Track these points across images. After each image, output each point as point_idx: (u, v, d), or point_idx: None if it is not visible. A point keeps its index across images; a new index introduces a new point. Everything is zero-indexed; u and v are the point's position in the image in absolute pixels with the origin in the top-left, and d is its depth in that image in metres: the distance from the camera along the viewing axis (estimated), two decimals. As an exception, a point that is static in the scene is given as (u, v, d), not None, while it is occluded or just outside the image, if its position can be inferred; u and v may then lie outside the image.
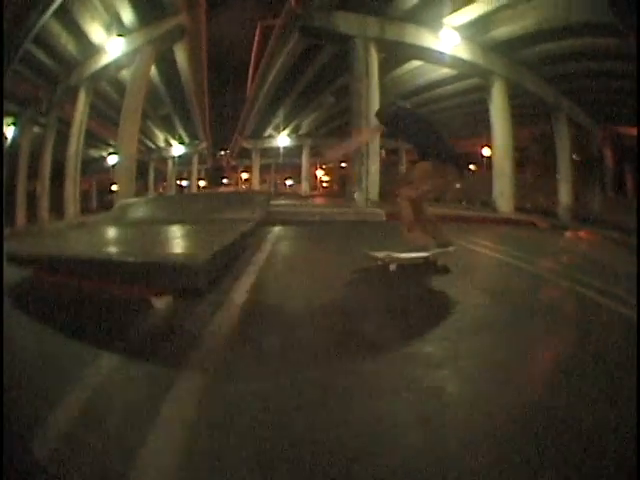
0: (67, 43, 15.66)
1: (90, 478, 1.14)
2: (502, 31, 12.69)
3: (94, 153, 33.00)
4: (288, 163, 38.55)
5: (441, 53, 13.46)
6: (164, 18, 15.16)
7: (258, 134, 32.19)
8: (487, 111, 15.09)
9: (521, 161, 22.78)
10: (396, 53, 14.18)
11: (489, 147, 24.16)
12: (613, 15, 8.61)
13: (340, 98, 20.57)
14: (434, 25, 12.77)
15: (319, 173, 37.14)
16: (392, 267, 3.53)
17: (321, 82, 19.84)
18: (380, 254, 3.61)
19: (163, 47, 16.06)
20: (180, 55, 18.72)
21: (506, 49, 13.58)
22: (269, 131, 31.87)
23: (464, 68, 14.60)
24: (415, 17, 12.65)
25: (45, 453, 1.21)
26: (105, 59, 16.15)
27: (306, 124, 29.67)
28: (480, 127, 19.70)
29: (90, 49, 16.11)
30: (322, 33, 13.31)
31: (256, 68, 22.47)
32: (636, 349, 1.82)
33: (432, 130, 3.86)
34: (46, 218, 18.49)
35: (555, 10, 10.97)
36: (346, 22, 12.98)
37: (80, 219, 15.21)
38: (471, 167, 31.22)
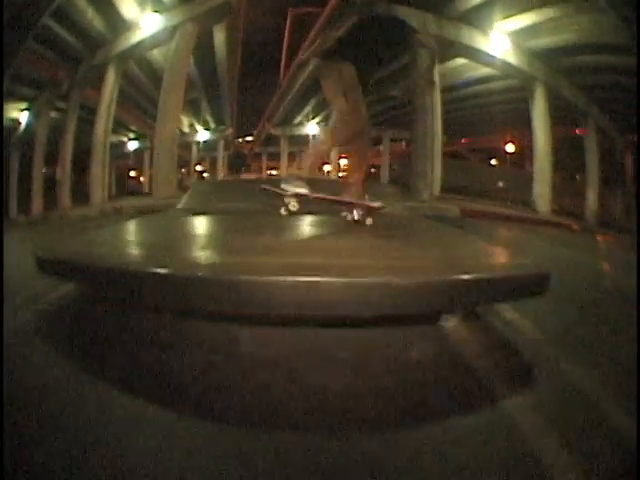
0: (93, 18, 13.84)
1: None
2: (546, 40, 13.09)
3: (112, 138, 31.32)
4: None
5: (491, 55, 13.68)
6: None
7: (287, 121, 30.53)
8: (512, 109, 16.38)
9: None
10: (447, 51, 13.62)
11: (513, 143, 24.45)
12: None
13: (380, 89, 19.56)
14: (486, 28, 13.12)
15: (342, 162, 36.15)
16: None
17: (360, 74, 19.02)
18: None
19: (206, 26, 14.28)
20: (219, 36, 16.84)
21: (548, 57, 13.94)
22: (299, 118, 30.15)
23: (509, 71, 14.66)
24: (470, 19, 12.91)
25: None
26: (137, 36, 14.35)
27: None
28: (504, 123, 20.28)
29: (120, 25, 14.35)
30: (390, 26, 12.52)
31: (288, 55, 21.30)
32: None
33: None
34: (68, 205, 16.60)
35: (591, 28, 11.50)
36: (408, 16, 11.88)
37: (109, 205, 13.58)
38: (493, 162, 31.75)
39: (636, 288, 2.52)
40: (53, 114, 19.23)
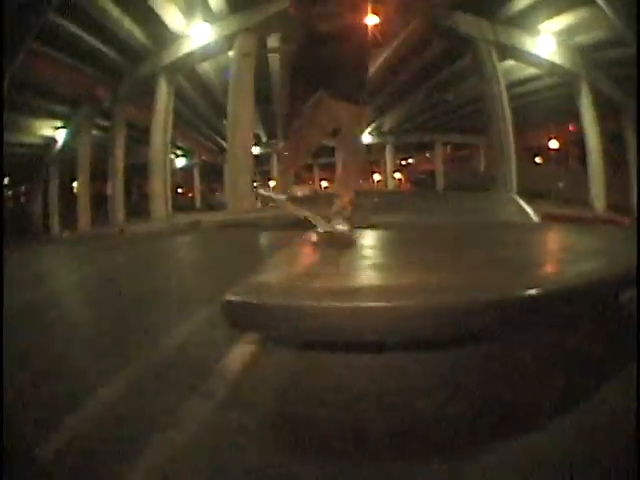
0: (132, 29, 12.93)
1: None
2: (585, 37, 12.85)
3: None
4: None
5: (537, 56, 13.49)
6: (265, 2, 12.22)
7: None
8: (552, 105, 16.33)
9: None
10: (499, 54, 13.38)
11: (557, 139, 23.40)
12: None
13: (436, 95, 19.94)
14: (532, 30, 12.95)
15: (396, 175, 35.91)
16: None
17: (418, 79, 17.96)
18: None
19: (263, 35, 13.03)
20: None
21: (588, 53, 13.67)
22: None
23: (554, 70, 14.31)
24: (517, 22, 12.75)
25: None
26: (187, 47, 13.32)
27: (388, 121, 26.63)
28: (545, 119, 19.69)
29: (165, 36, 13.36)
30: (449, 32, 12.72)
31: None
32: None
33: None
34: (121, 220, 15.66)
35: (623, 21, 10.77)
36: (466, 23, 12.58)
37: (172, 221, 12.98)
38: (537, 160, 30.14)
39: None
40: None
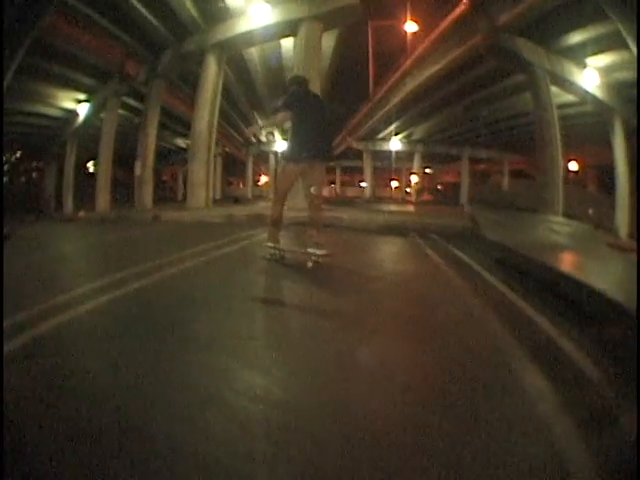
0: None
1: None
2: (624, 74, 12.66)
3: (180, 142, 28.34)
4: (381, 167, 34.36)
5: (579, 86, 13.43)
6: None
7: (371, 136, 27.81)
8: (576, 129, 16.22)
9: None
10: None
11: (576, 161, 23.20)
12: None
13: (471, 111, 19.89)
14: (579, 63, 12.94)
15: (413, 179, 34.73)
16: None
17: (459, 93, 17.71)
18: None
19: (329, 27, 11.62)
20: (327, 40, 13.89)
21: (625, 89, 13.49)
22: (383, 134, 27.51)
23: (592, 100, 14.03)
24: (567, 53, 12.67)
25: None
26: (243, 26, 11.78)
27: (419, 131, 25.98)
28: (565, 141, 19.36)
29: (217, 11, 11.88)
30: (510, 55, 12.40)
31: (375, 69, 19.36)
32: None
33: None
34: (149, 204, 14.11)
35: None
36: (526, 49, 12.33)
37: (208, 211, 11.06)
38: None
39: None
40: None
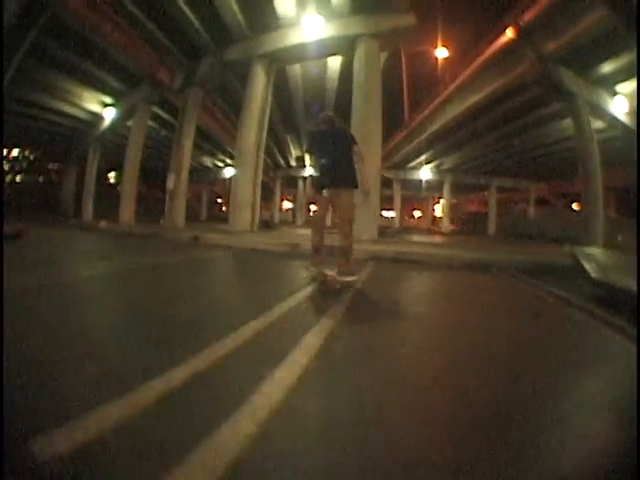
0: (231, 5, 10.51)
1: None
2: None
3: (206, 160, 27.36)
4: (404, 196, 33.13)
5: (611, 114, 13.12)
6: (391, 11, 10.04)
7: (402, 164, 26.67)
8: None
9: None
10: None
11: None
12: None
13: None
14: (610, 90, 12.76)
15: (437, 208, 33.84)
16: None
17: (496, 123, 17.02)
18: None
19: (386, 46, 10.61)
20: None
21: None
22: (414, 162, 26.25)
23: (619, 126, 13.64)
24: (601, 82, 12.42)
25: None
26: (295, 38, 10.73)
27: (450, 159, 24.92)
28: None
29: (268, 21, 10.94)
30: (555, 85, 12.01)
31: (410, 95, 18.56)
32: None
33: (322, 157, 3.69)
34: (182, 222, 12.73)
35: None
36: (569, 78, 11.91)
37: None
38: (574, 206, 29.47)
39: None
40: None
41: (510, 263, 5.37)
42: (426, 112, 16.15)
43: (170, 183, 12.19)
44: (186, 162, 12.61)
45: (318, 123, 3.88)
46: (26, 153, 27.28)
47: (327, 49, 10.95)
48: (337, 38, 10.52)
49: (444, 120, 15.63)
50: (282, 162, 29.22)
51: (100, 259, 4.84)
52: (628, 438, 1.09)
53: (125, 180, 14.29)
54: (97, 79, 14.41)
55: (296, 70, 13.56)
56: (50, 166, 27.80)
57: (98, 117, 17.10)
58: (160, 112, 16.58)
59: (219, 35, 11.86)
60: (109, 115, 16.63)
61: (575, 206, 30.00)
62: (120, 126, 16.88)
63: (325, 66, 13.45)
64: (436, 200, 34.01)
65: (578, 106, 12.13)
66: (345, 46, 10.61)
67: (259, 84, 10.98)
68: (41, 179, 28.13)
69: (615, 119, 13.25)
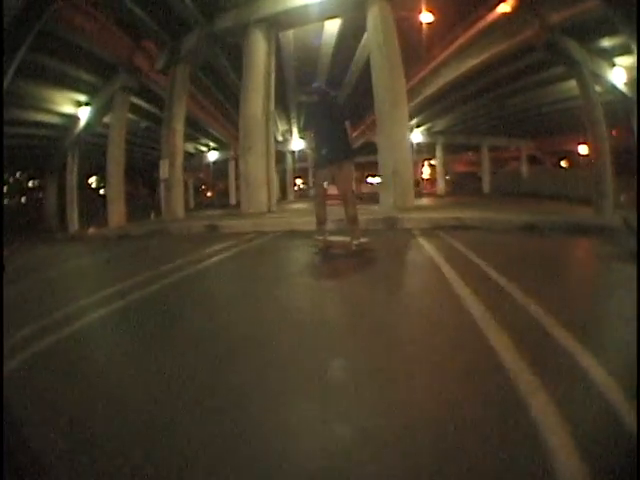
0: None
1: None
2: None
3: (188, 146, 24.72)
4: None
5: (612, 83, 13.29)
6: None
7: None
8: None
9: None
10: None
11: (587, 145, 21.63)
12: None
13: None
14: (610, 62, 13.07)
15: (425, 170, 33.08)
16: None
17: (492, 86, 16.59)
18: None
19: (400, 8, 9.30)
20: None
21: None
22: None
23: (616, 93, 13.80)
24: (602, 54, 12.61)
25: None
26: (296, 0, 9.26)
27: (442, 122, 24.13)
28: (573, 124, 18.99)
29: None
30: (561, 53, 12.07)
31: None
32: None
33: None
34: (181, 213, 11.04)
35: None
36: (575, 49, 11.96)
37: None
38: (562, 164, 29.67)
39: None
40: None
41: (553, 224, 5.32)
42: (419, 76, 15.16)
43: (164, 171, 10.58)
44: (179, 146, 11.00)
45: (311, 95, 3.78)
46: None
47: (330, 11, 9.65)
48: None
49: (438, 85, 14.99)
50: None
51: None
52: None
53: (110, 180, 12.58)
54: (68, 77, 12.55)
55: (288, 36, 12.03)
56: (30, 184, 25.99)
57: (73, 119, 15.15)
58: (139, 102, 14.80)
59: (207, 3, 10.26)
60: (84, 114, 14.73)
61: (563, 163, 29.83)
62: (97, 124, 15.03)
63: (321, 31, 12.00)
64: (422, 163, 33.01)
65: (584, 73, 12.17)
66: (352, 8, 9.45)
67: (259, 51, 9.52)
68: (23, 200, 26.43)
69: (614, 87, 13.43)
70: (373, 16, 8.76)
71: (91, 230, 11.52)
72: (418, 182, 35.00)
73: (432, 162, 34.05)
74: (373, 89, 8.74)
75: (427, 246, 4.05)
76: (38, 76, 11.58)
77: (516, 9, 10.96)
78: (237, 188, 39.60)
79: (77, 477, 0.93)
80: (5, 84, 8.76)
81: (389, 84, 8.44)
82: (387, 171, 8.24)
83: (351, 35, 12.49)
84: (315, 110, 3.75)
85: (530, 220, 5.53)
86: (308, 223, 5.73)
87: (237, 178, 31.44)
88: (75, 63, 11.74)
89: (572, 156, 26.24)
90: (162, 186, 11.14)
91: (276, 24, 9.76)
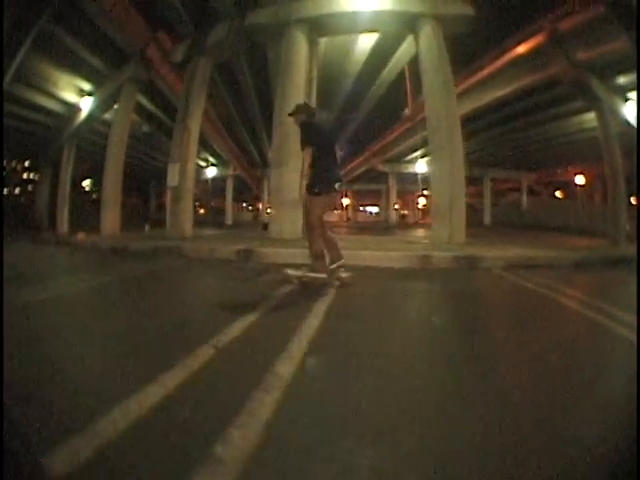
0: None
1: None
2: None
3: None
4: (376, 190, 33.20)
5: (624, 116, 12.36)
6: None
7: (399, 158, 24.82)
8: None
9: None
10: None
11: (583, 175, 22.92)
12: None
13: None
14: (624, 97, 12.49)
15: (421, 201, 32.17)
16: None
17: (508, 118, 16.38)
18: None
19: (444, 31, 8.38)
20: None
21: None
22: (412, 156, 24.31)
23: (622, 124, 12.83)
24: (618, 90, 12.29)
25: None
26: (345, 5, 8.42)
27: None
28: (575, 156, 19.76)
29: None
30: (584, 89, 12.09)
31: (412, 87, 16.48)
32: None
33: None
34: (189, 230, 9.37)
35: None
36: (596, 85, 12.02)
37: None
38: (557, 194, 29.92)
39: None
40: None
41: (595, 260, 5.66)
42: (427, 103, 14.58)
43: (173, 178, 8.93)
44: (192, 150, 9.40)
45: (299, 111, 3.49)
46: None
47: (377, 23, 8.79)
48: (397, 14, 8.44)
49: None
50: (259, 160, 26.58)
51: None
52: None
53: (107, 183, 10.88)
54: (77, 59, 11.09)
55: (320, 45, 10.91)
56: (25, 176, 24.25)
57: (74, 109, 13.52)
58: (144, 102, 13.42)
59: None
60: (86, 106, 13.14)
61: (558, 194, 29.87)
62: (99, 118, 13.46)
63: (354, 45, 10.96)
64: (419, 193, 32.06)
65: (604, 110, 12.21)
66: (400, 24, 8.63)
67: (301, 52, 8.33)
68: (17, 191, 24.70)
69: (627, 122, 12.96)
70: (426, 36, 8.00)
71: (80, 235, 9.91)
72: (422, 212, 34.45)
73: (426, 192, 33.65)
74: (427, 115, 8.10)
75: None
76: (48, 51, 10.29)
77: (542, 45, 10.84)
78: (240, 208, 38.61)
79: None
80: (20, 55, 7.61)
81: (447, 110, 7.63)
82: (443, 202, 7.07)
83: (382, 54, 11.55)
84: (320, 130, 3.54)
85: (576, 256, 5.75)
86: (377, 258, 4.86)
87: (234, 198, 30.02)
88: (88, 43, 10.52)
89: (567, 187, 26.49)
90: (168, 195, 9.54)
91: (318, 27, 8.64)
